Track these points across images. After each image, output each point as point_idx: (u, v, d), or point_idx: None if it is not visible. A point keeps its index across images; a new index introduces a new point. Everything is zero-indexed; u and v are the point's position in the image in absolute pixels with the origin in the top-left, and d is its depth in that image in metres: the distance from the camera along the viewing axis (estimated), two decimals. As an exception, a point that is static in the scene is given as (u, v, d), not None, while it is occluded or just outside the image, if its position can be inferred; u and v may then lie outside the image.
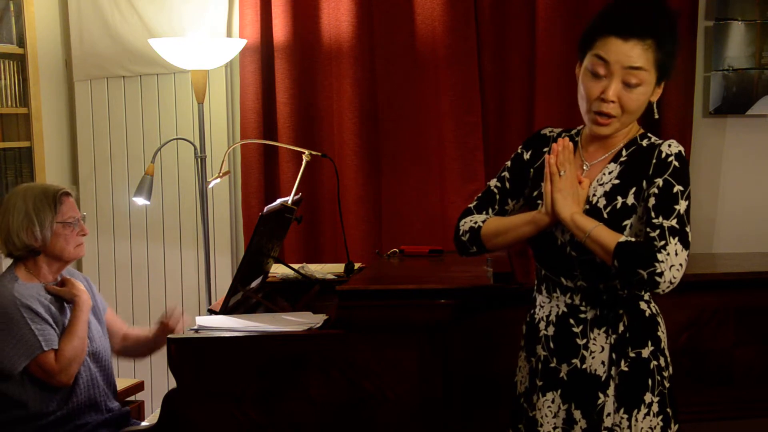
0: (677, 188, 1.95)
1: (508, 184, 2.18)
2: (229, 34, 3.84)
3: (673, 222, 1.91)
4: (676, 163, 1.98)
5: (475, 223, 2.16)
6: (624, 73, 1.95)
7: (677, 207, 1.93)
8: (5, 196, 2.85)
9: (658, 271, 1.87)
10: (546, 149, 2.14)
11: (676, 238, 1.89)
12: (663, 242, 1.89)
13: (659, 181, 1.96)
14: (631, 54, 1.94)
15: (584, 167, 2.08)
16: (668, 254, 1.88)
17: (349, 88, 3.68)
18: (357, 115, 3.68)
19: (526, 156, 2.17)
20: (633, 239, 1.93)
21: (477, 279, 2.65)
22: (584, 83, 2.00)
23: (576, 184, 2.00)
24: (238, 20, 3.80)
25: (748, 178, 3.64)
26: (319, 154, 3.35)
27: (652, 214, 1.93)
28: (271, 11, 3.74)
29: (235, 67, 3.86)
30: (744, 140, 3.63)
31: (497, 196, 2.19)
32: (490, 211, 2.19)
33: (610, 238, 1.92)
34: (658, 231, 1.90)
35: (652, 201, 1.95)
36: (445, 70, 3.62)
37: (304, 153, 3.25)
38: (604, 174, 2.05)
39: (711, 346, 2.72)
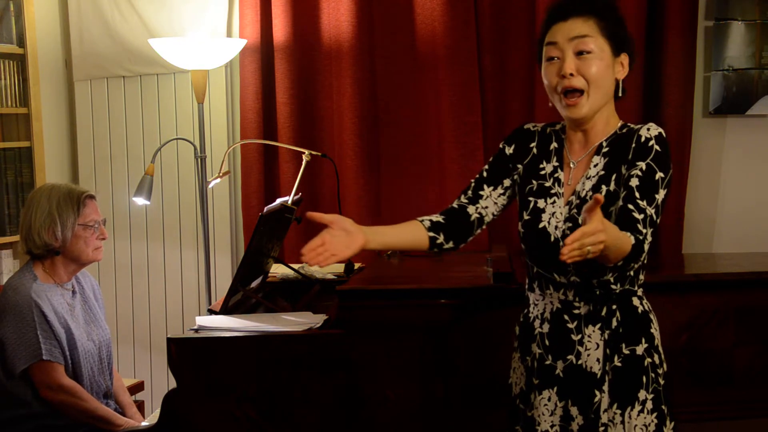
0: (659, 175, 1.97)
1: (485, 174, 2.22)
2: (229, 34, 3.84)
3: (653, 212, 1.94)
4: (658, 147, 1.99)
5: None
6: (573, 45, 2.02)
7: (657, 196, 1.96)
8: (30, 194, 2.86)
9: (643, 258, 1.95)
10: (532, 144, 2.17)
11: (651, 230, 1.93)
12: (645, 231, 1.91)
13: (642, 165, 1.98)
14: (573, 26, 2.02)
15: (571, 165, 2.11)
16: (648, 245, 1.93)
17: (349, 88, 3.68)
18: (357, 115, 3.68)
19: (509, 150, 2.20)
20: (634, 238, 1.92)
21: (477, 279, 2.65)
22: (544, 72, 2.07)
23: (592, 229, 1.77)
24: (238, 20, 3.80)
25: (748, 178, 3.64)
26: (319, 154, 3.35)
27: (637, 195, 1.94)
28: (271, 11, 3.74)
29: (235, 67, 3.86)
30: (744, 140, 3.63)
31: (473, 184, 2.22)
32: (462, 196, 2.22)
33: (625, 246, 1.87)
34: (642, 216, 1.92)
35: (635, 182, 1.96)
36: (445, 70, 3.62)
37: (304, 153, 3.25)
38: (590, 169, 2.07)
39: (711, 346, 2.72)
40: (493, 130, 3.68)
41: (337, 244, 1.98)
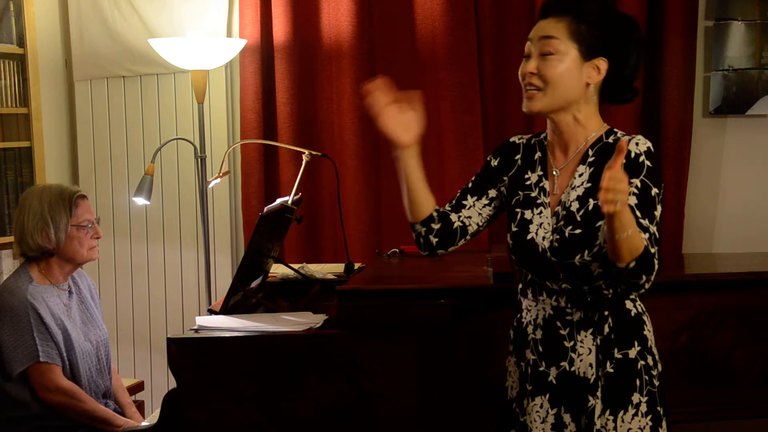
0: (654, 191, 1.96)
1: (471, 184, 2.24)
2: (229, 34, 3.84)
3: (654, 229, 1.93)
4: (649, 163, 1.98)
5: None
6: (540, 45, 2.05)
7: (656, 213, 1.95)
8: (22, 196, 2.86)
9: (653, 278, 1.91)
10: (517, 157, 2.17)
11: (656, 249, 1.91)
12: (654, 250, 1.89)
13: (636, 182, 1.95)
14: (545, 26, 2.05)
15: (554, 173, 2.09)
16: (657, 262, 1.90)
17: (349, 88, 3.68)
18: (357, 115, 3.68)
19: (494, 163, 2.21)
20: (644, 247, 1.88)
21: (477, 279, 2.65)
22: (520, 67, 2.10)
23: (620, 174, 1.78)
24: (238, 20, 3.80)
25: (748, 178, 3.64)
26: (319, 154, 3.35)
27: (638, 214, 1.91)
28: (271, 11, 3.74)
29: (235, 67, 3.86)
30: (744, 140, 3.63)
31: (458, 193, 2.24)
32: (447, 205, 2.24)
33: (639, 241, 1.86)
34: (647, 236, 1.89)
35: (633, 200, 1.93)
36: (445, 71, 3.62)
37: (304, 153, 3.25)
38: (575, 178, 2.05)
39: (711, 346, 2.72)
40: (493, 130, 3.68)
41: (400, 117, 2.09)
